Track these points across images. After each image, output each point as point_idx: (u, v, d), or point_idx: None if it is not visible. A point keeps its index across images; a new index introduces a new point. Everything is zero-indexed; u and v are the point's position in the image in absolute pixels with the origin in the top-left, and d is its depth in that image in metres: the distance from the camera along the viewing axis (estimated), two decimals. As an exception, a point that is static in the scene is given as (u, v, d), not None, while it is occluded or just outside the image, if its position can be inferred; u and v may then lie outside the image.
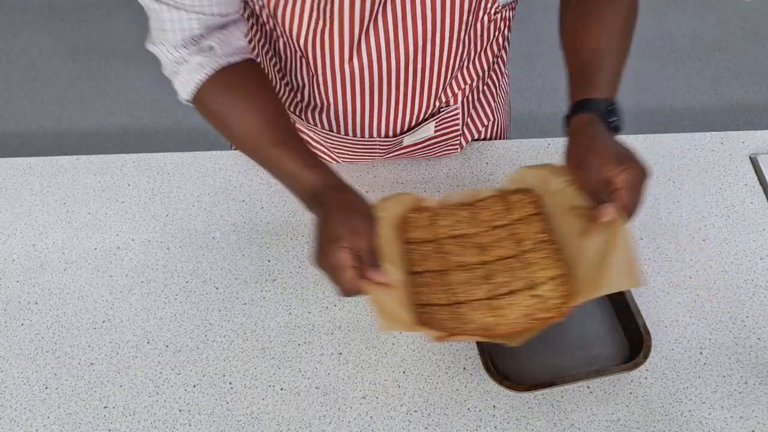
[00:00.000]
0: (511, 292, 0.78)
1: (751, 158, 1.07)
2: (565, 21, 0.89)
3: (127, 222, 1.02)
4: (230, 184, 1.07)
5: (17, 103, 2.53)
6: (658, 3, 2.78)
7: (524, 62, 2.53)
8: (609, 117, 0.79)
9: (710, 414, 0.81)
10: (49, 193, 1.06)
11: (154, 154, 1.06)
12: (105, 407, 0.84)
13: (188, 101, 0.84)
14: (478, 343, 0.84)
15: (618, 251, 0.72)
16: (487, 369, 0.82)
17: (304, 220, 1.01)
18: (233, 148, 1.15)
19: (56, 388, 0.85)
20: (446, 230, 0.85)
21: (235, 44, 0.83)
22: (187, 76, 0.81)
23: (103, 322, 0.91)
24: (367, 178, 1.07)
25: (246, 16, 0.91)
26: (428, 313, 0.78)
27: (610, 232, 0.73)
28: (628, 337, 0.87)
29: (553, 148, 1.09)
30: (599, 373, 0.82)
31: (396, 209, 0.87)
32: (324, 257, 0.72)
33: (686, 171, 1.06)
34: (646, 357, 0.82)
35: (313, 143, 1.06)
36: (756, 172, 1.05)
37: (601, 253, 0.74)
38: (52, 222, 1.03)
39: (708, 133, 1.10)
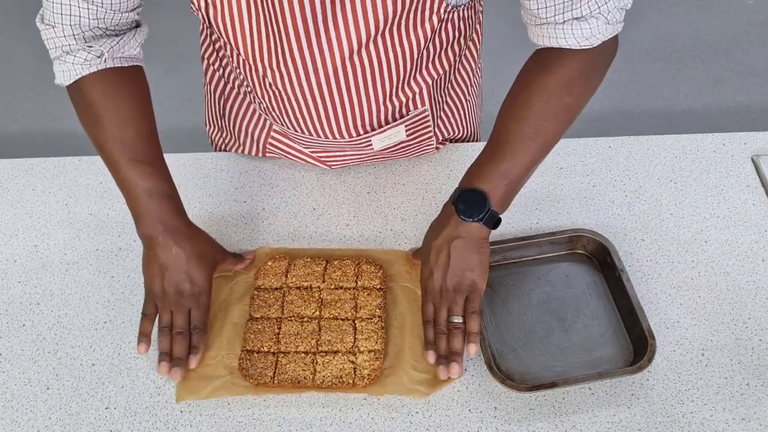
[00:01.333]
0: (332, 352, 0.85)
1: (752, 159, 1.07)
2: (509, 92, 0.88)
3: (129, 223, 1.01)
4: (231, 186, 1.07)
5: (19, 104, 2.53)
6: (660, 4, 2.77)
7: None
8: (456, 203, 0.84)
9: (712, 416, 0.81)
10: (51, 194, 1.06)
11: (156, 155, 1.06)
12: (106, 408, 0.84)
13: (63, 85, 0.86)
14: (482, 342, 0.84)
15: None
16: (490, 368, 0.82)
17: (305, 222, 1.01)
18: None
19: (58, 389, 0.85)
20: (296, 280, 0.91)
21: (127, 53, 0.86)
22: (71, 66, 0.82)
23: (105, 322, 0.91)
24: (368, 179, 1.07)
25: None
26: (251, 359, 0.85)
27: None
28: (632, 340, 0.87)
29: (555, 149, 1.08)
30: (602, 375, 0.82)
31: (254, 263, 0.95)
32: (194, 297, 0.86)
33: (688, 172, 1.05)
34: (650, 360, 0.82)
35: (297, 152, 1.06)
36: (758, 174, 1.05)
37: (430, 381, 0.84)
38: (54, 223, 1.03)
39: (710, 135, 1.10)
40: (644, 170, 1.06)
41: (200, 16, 0.86)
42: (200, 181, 1.07)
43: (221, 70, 1.03)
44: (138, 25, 0.88)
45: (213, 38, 0.98)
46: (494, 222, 0.85)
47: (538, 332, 0.88)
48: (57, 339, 0.90)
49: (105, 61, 0.83)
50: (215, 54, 1.02)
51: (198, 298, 0.87)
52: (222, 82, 1.05)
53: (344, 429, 0.81)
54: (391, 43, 0.85)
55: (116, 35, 0.85)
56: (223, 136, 1.13)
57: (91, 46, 0.82)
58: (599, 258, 0.94)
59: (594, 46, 0.81)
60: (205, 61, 1.06)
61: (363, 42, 0.83)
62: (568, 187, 1.04)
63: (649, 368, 0.84)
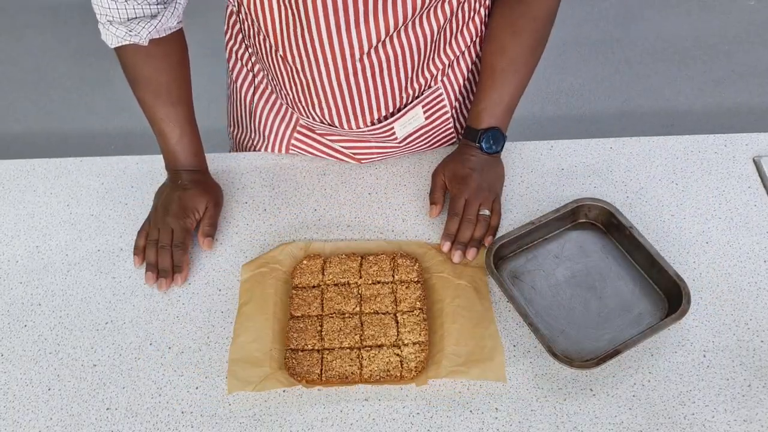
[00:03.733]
0: (377, 346, 0.86)
1: (754, 160, 1.06)
2: (487, 31, 0.99)
3: (130, 224, 1.02)
4: (233, 186, 1.07)
5: (20, 105, 2.54)
6: (661, 5, 2.78)
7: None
8: (481, 142, 0.99)
9: (713, 417, 0.81)
10: (53, 195, 1.07)
11: (157, 156, 1.06)
12: (107, 409, 0.84)
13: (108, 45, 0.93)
14: (535, 331, 0.84)
15: (490, 344, 0.86)
16: (553, 354, 0.82)
17: (306, 222, 1.01)
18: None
19: (59, 390, 0.85)
20: (332, 278, 0.92)
21: (166, 25, 0.91)
22: (113, 35, 0.90)
23: (106, 323, 0.91)
24: (369, 180, 1.07)
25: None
26: (296, 358, 0.85)
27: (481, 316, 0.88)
28: (662, 289, 0.90)
29: (556, 151, 1.09)
30: (654, 329, 0.84)
31: (288, 261, 0.95)
32: (178, 219, 0.96)
33: (689, 173, 1.05)
34: (689, 302, 0.85)
35: (321, 148, 1.07)
36: (759, 175, 1.05)
37: (477, 345, 0.86)
38: (56, 224, 1.03)
39: (711, 136, 1.10)
40: (645, 171, 1.06)
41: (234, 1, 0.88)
42: (201, 181, 1.07)
43: (249, 64, 1.05)
44: None
45: (237, 34, 1.00)
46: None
47: (576, 307, 0.89)
48: (58, 340, 0.90)
49: (142, 39, 0.90)
50: (242, 47, 1.04)
51: (181, 221, 0.96)
52: (249, 78, 1.07)
53: (345, 430, 0.81)
54: (412, 29, 0.87)
55: (153, 17, 0.89)
56: (250, 134, 1.13)
57: (131, 29, 0.88)
58: (603, 222, 0.97)
59: None
60: (233, 56, 1.07)
61: (390, 31, 0.85)
62: (569, 188, 1.04)
63: (651, 369, 0.84)
